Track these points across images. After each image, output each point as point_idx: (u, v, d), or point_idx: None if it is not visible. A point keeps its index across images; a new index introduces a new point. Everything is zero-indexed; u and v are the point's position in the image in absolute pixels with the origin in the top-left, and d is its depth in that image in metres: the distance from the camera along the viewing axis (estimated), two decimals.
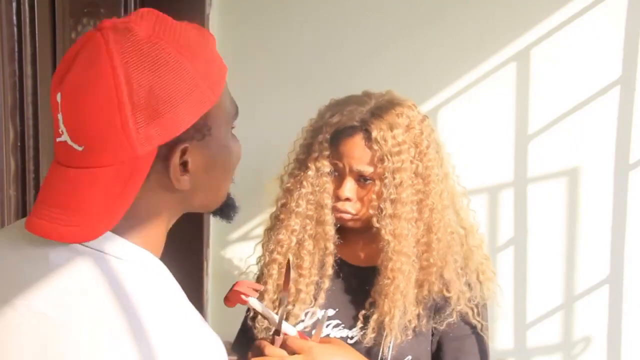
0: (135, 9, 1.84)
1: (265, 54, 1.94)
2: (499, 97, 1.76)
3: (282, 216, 1.31)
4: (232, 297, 1.12)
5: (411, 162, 1.22)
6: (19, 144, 1.56)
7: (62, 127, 0.67)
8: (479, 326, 1.27)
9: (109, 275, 0.66)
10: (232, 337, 1.98)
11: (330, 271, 1.29)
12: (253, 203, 2.01)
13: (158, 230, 0.73)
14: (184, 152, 0.68)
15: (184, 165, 0.69)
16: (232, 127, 0.78)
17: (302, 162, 1.30)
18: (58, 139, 0.68)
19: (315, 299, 1.29)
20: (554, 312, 1.77)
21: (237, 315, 2.01)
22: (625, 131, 1.69)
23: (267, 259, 1.32)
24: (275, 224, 1.33)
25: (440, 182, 1.26)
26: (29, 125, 1.57)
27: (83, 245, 0.68)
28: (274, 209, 1.37)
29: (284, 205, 1.31)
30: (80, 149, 0.66)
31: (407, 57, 1.82)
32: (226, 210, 0.82)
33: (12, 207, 1.56)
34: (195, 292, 1.95)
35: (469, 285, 1.27)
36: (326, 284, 1.30)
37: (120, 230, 0.69)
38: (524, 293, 1.78)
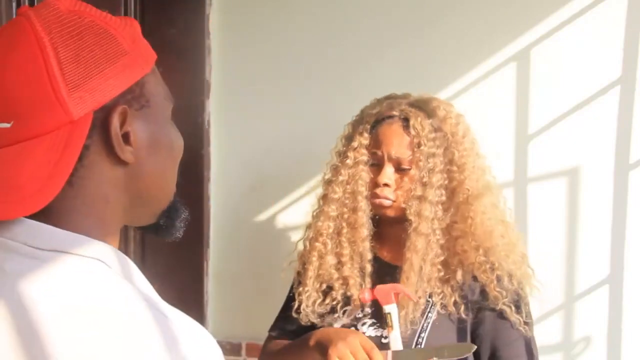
0: (135, 9, 1.84)
1: (265, 53, 1.93)
2: (499, 97, 1.76)
3: (321, 206, 1.35)
4: (382, 292, 1.24)
5: (446, 148, 1.27)
6: None
7: None
8: (524, 326, 1.27)
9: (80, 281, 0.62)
10: (232, 338, 1.98)
11: (369, 256, 1.32)
12: (252, 203, 2.01)
13: (111, 216, 0.69)
14: (123, 118, 0.67)
15: (126, 137, 0.67)
16: (170, 119, 0.75)
17: (341, 154, 1.35)
18: None
19: (361, 286, 1.32)
20: (554, 312, 1.77)
21: (236, 317, 2.01)
22: (625, 131, 1.69)
23: (308, 246, 1.36)
24: (315, 216, 1.38)
25: (476, 171, 1.29)
26: None
27: (31, 247, 0.63)
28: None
29: (324, 197, 1.36)
30: (8, 125, 0.64)
31: (407, 57, 1.82)
32: (172, 215, 0.76)
33: None
34: (195, 292, 1.95)
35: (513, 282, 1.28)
36: (368, 269, 1.32)
37: (68, 213, 0.66)
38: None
